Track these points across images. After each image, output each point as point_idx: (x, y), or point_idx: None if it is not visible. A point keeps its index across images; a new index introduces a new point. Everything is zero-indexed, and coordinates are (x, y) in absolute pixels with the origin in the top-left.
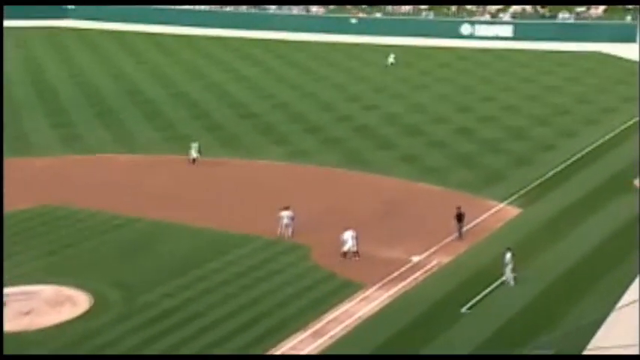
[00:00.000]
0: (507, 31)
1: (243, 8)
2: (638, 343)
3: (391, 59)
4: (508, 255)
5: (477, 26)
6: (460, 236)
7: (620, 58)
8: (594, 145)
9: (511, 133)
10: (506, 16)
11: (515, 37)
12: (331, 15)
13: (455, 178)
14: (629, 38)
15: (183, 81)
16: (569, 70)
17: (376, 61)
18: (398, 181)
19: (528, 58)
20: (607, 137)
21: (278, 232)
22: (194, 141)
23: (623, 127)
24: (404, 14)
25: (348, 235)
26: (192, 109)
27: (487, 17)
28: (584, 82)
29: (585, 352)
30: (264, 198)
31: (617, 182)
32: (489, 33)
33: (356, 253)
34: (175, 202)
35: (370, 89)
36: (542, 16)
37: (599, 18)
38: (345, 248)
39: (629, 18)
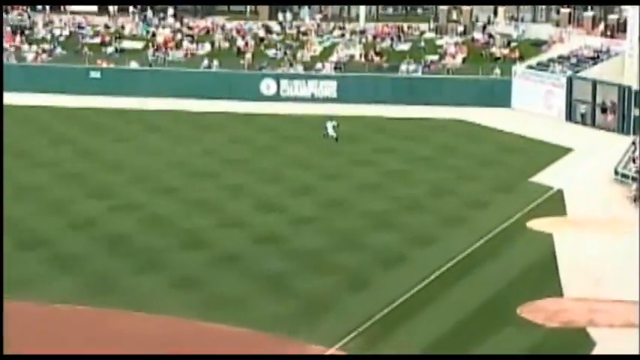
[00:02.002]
0: (329, 89)
1: None
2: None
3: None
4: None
5: (283, 82)
6: None
7: (490, 129)
8: (458, 257)
9: (339, 241)
10: (326, 69)
11: (339, 98)
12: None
13: (262, 313)
14: (500, 101)
15: None
16: (417, 147)
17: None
18: (168, 322)
19: (356, 127)
20: (476, 245)
21: None
22: None
23: (498, 230)
24: (180, 64)
25: None
26: None
27: (299, 70)
28: (440, 164)
29: None
30: None
31: (494, 312)
32: (302, 92)
33: None
34: None
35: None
36: (379, 69)
37: (457, 71)
38: None
39: (497, 72)
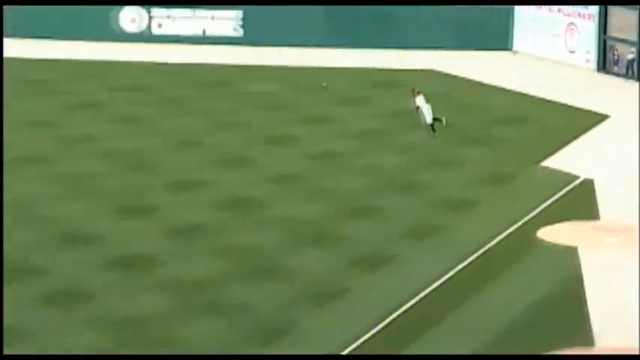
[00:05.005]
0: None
1: None
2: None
3: None
4: None
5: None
6: None
7: (478, 85)
8: (422, 292)
9: (240, 267)
10: None
11: (243, 38)
12: None
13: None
14: (495, 40)
15: None
16: (363, 115)
17: None
18: None
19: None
20: (455, 269)
21: None
22: None
23: (490, 245)
24: None
25: None
26: None
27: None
28: (399, 143)
29: None
30: None
31: None
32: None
33: None
34: None
35: None
36: None
37: None
38: None
39: None
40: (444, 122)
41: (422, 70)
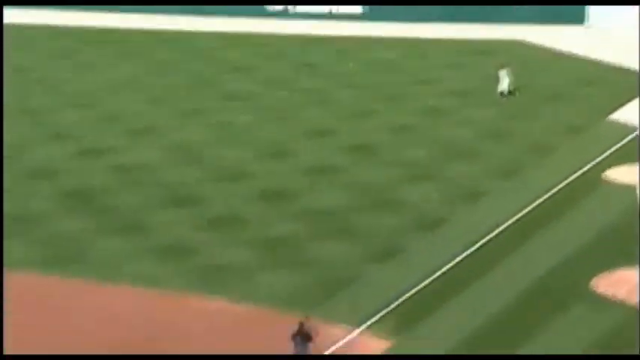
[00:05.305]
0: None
1: None
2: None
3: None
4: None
5: None
6: None
7: (557, 53)
8: (515, 217)
9: (363, 198)
10: None
11: (367, 16)
12: None
13: (271, 285)
14: (571, 15)
15: None
16: (463, 77)
17: None
18: (152, 295)
19: (396, 52)
20: (538, 201)
21: None
22: None
23: (566, 182)
24: None
25: None
26: None
27: None
28: (492, 100)
29: None
30: None
31: (562, 285)
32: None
33: None
34: None
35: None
36: None
37: None
38: None
39: None
40: (517, 94)
41: (510, 41)
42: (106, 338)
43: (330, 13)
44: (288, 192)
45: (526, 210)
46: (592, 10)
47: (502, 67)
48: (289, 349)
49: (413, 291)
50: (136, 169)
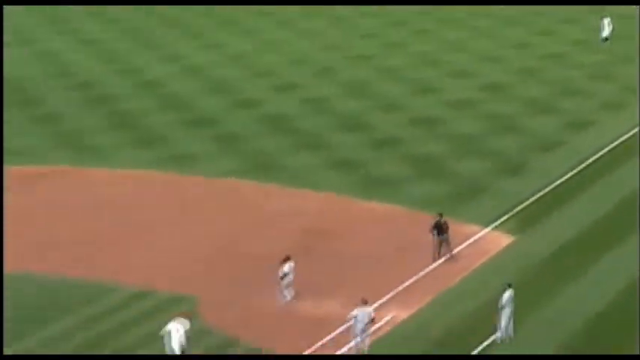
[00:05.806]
0: None
1: None
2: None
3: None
4: (507, 294)
5: None
6: (439, 255)
7: None
8: (618, 140)
9: (495, 125)
10: None
11: None
12: None
13: (414, 193)
14: None
15: None
16: (578, 30)
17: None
18: (329, 198)
19: (517, 11)
20: (636, 129)
21: (280, 302)
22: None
23: None
24: None
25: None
26: None
27: None
28: (600, 48)
29: None
30: (127, 232)
31: None
32: None
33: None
34: None
35: (285, 62)
36: None
37: None
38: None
39: None
40: (609, 41)
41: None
42: (294, 228)
43: None
44: (435, 119)
45: (628, 135)
46: None
47: (604, 16)
48: (429, 238)
49: (532, 198)
50: (318, 101)
